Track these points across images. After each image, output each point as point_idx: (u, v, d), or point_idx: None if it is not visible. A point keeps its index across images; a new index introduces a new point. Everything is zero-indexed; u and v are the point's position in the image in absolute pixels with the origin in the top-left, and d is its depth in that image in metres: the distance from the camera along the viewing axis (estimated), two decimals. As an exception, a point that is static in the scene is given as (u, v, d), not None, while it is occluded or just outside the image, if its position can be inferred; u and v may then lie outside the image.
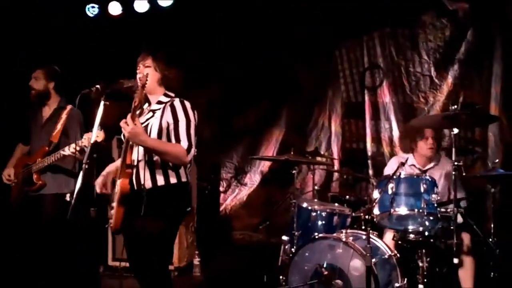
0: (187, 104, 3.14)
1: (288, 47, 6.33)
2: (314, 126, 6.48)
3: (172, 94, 3.22)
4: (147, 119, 3.14)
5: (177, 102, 3.13)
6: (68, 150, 3.94)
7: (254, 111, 6.64)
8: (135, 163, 3.08)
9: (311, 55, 6.35)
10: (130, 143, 3.03)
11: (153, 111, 3.16)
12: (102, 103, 3.17)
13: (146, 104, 3.26)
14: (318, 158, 5.50)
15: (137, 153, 3.10)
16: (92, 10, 6.17)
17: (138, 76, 3.18)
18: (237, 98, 6.60)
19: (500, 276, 3.90)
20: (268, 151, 6.61)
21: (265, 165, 6.71)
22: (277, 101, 6.64)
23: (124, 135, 3.02)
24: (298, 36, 6.28)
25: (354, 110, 6.30)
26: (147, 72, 3.10)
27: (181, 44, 6.13)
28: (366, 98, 6.20)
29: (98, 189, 3.21)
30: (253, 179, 6.77)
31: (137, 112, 3.01)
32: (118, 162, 3.22)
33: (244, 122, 6.69)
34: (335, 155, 6.33)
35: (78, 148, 3.79)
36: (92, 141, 3.24)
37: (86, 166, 3.13)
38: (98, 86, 3.20)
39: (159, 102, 3.19)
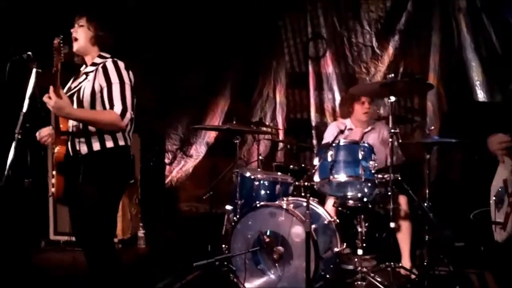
0: (121, 64, 3.05)
1: (232, 18, 6.28)
2: (259, 97, 6.49)
3: (107, 55, 3.14)
4: (80, 82, 3.07)
5: (109, 63, 3.03)
6: None
7: (198, 82, 6.58)
8: (70, 129, 3.01)
9: (256, 26, 6.31)
10: None
11: (87, 74, 3.08)
12: (34, 70, 3.07)
13: (83, 66, 3.20)
14: (263, 128, 5.53)
15: (71, 120, 3.01)
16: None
17: (73, 34, 3.11)
18: (182, 69, 6.52)
19: (434, 239, 4.06)
20: (213, 121, 6.58)
21: (210, 136, 6.69)
22: (222, 72, 6.60)
23: None
24: (242, 6, 6.22)
25: (298, 80, 6.33)
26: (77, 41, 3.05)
27: (122, 9, 5.98)
28: (310, 68, 6.24)
29: (38, 136, 3.18)
30: (198, 151, 6.74)
31: (58, 83, 2.90)
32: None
33: (188, 93, 6.62)
34: (280, 125, 6.37)
35: None
36: (24, 110, 3.13)
37: (19, 136, 3.04)
38: (29, 53, 3.10)
39: (93, 64, 3.11)
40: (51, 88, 2.84)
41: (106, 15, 3.21)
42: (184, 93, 6.65)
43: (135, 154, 3.34)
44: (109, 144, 3.01)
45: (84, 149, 2.99)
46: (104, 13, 3.20)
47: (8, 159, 2.99)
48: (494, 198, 3.07)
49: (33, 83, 3.10)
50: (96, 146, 3.00)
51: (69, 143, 3.02)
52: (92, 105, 3.00)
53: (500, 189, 3.02)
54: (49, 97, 2.83)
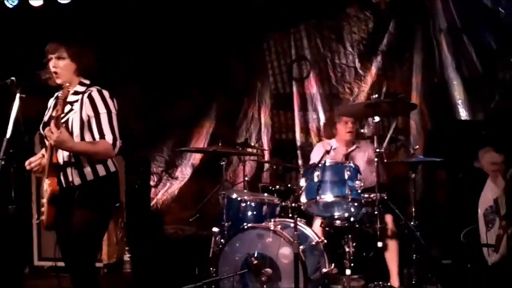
0: (106, 93, 3.09)
1: (216, 39, 6.32)
2: (244, 118, 6.50)
3: (87, 82, 3.15)
4: (66, 113, 3.06)
5: (95, 93, 3.06)
6: None
7: (184, 104, 6.58)
8: (62, 162, 3.03)
9: (240, 48, 6.36)
10: None
11: (71, 103, 3.08)
12: (17, 96, 3.07)
13: (60, 92, 3.18)
14: (249, 150, 5.53)
15: (62, 152, 3.03)
16: (11, 1, 5.92)
17: (52, 69, 3.08)
18: (165, 91, 6.53)
19: (422, 258, 4.07)
20: (199, 143, 6.57)
21: (196, 158, 6.67)
22: (206, 94, 6.61)
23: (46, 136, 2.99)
24: (226, 28, 6.27)
25: (282, 101, 6.36)
26: (67, 83, 3.01)
27: (107, 35, 6.01)
28: (294, 89, 6.28)
29: (27, 166, 3.18)
30: (184, 173, 6.71)
31: (60, 120, 2.93)
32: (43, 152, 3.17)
33: (173, 115, 6.61)
34: (265, 146, 6.37)
35: None
36: (8, 136, 3.11)
37: (3, 162, 3.03)
38: (13, 78, 3.09)
39: (76, 93, 3.11)
40: (53, 122, 2.85)
41: (86, 40, 3.20)
42: (169, 115, 6.64)
43: (120, 177, 3.35)
44: (102, 172, 3.06)
45: (77, 180, 3.02)
46: (83, 39, 3.18)
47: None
48: (483, 215, 3.08)
49: (17, 108, 3.10)
50: (90, 176, 3.03)
51: (61, 174, 3.02)
52: (82, 136, 3.03)
53: (489, 208, 3.03)
54: (51, 131, 2.83)
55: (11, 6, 5.90)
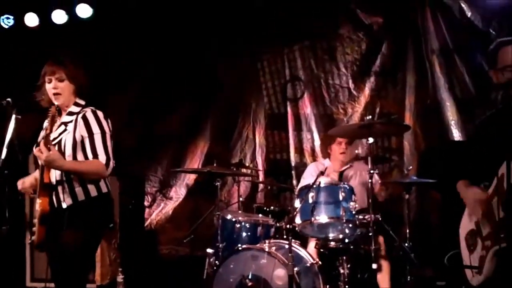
0: (100, 114, 3.10)
1: (211, 59, 6.37)
2: (238, 138, 6.51)
3: (83, 102, 3.16)
4: (60, 134, 3.07)
5: (89, 113, 3.07)
6: None
7: (178, 124, 6.60)
8: (54, 182, 3.02)
9: (234, 68, 6.40)
10: None
11: (65, 124, 3.09)
12: (13, 117, 3.09)
13: (53, 109, 3.20)
14: (243, 170, 5.54)
15: (54, 172, 3.03)
16: (6, 21, 5.96)
17: (53, 91, 3.09)
18: (161, 111, 6.55)
19: (416, 279, 4.07)
20: (193, 163, 6.56)
21: (190, 178, 6.66)
22: (201, 113, 6.63)
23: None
24: (220, 48, 6.32)
25: (277, 121, 6.38)
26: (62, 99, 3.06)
27: (102, 54, 6.04)
28: (288, 109, 6.31)
29: (19, 186, 3.20)
30: (178, 193, 6.69)
31: (51, 138, 2.96)
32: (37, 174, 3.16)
33: (168, 135, 6.63)
34: (260, 166, 6.38)
35: None
36: (2, 157, 3.11)
37: (-3, 183, 3.04)
38: (9, 99, 3.11)
39: (70, 113, 3.13)
40: (42, 142, 2.86)
41: (81, 61, 3.22)
42: (163, 135, 6.65)
43: (114, 198, 3.34)
44: (93, 193, 3.05)
45: (68, 200, 3.01)
46: (79, 60, 3.20)
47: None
48: (464, 239, 3.09)
49: (12, 129, 3.11)
50: (81, 196, 3.02)
51: (53, 194, 3.01)
52: (74, 156, 3.03)
53: (470, 231, 3.04)
54: (40, 151, 2.84)
55: (6, 27, 5.94)
